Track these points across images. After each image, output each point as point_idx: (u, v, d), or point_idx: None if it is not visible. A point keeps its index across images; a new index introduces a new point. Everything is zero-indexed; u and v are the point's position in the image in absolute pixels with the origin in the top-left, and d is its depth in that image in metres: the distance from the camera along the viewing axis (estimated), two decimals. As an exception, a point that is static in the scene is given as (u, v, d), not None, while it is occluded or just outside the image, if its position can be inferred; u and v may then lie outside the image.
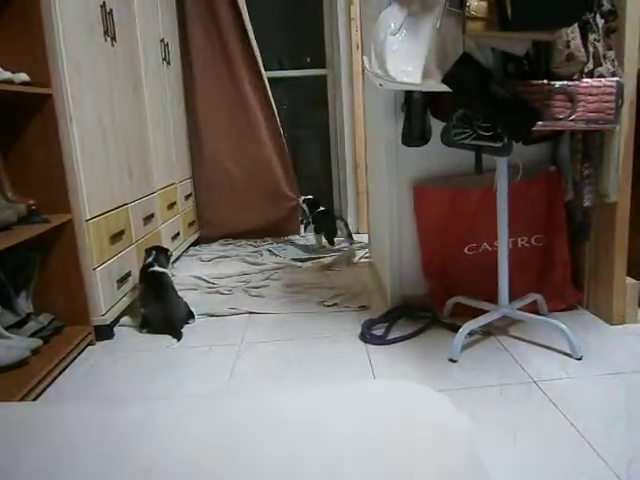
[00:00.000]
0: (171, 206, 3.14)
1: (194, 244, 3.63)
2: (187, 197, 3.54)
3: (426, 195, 2.10)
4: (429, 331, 2.00)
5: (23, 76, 1.81)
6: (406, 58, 1.47)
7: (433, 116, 1.80)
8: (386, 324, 2.06)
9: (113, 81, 2.35)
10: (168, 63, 3.23)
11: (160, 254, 2.30)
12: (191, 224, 3.59)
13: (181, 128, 3.48)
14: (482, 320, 1.81)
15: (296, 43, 4.06)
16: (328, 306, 2.34)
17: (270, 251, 3.36)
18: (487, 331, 1.94)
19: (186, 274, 2.92)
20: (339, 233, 3.42)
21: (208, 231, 3.74)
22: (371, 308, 2.29)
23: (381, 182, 2.38)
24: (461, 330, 1.77)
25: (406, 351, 1.86)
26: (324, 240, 3.37)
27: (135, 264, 2.43)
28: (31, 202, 1.90)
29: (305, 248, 3.41)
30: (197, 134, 3.62)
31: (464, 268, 2.09)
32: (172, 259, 2.34)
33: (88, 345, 2.08)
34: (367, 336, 1.96)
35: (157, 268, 2.24)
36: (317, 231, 3.38)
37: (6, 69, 1.79)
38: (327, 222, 3.38)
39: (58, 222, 1.92)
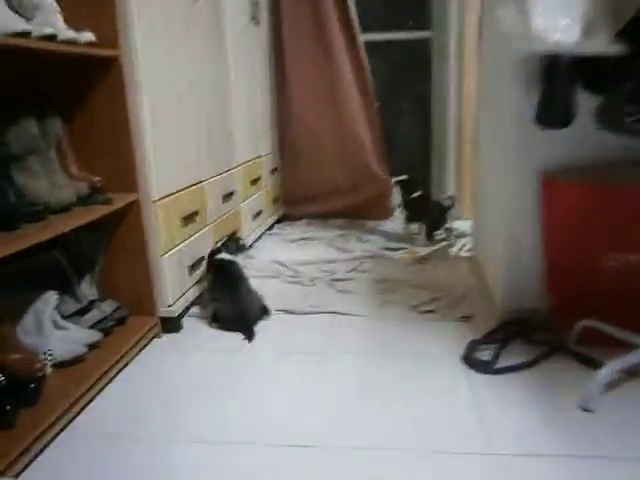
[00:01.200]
0: (255, 181, 2.89)
1: (277, 221, 3.38)
2: (273, 171, 3.28)
3: (558, 188, 1.67)
4: (551, 360, 1.61)
5: (88, 35, 1.57)
6: (560, 8, 1.06)
7: (585, 89, 1.36)
8: (495, 345, 1.68)
9: (193, 42, 2.09)
10: (257, 23, 2.93)
11: (230, 241, 2.05)
12: (275, 200, 3.34)
13: (268, 95, 3.19)
14: (632, 359, 1.39)
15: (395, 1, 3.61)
16: (423, 312, 1.99)
17: (359, 238, 3.02)
18: (633, 370, 1.51)
19: (267, 257, 2.67)
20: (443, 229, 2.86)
21: (291, 209, 3.48)
22: (475, 319, 1.92)
23: (498, 167, 1.97)
24: (604, 371, 1.36)
25: (521, 387, 1.48)
26: (420, 231, 2.89)
27: (209, 247, 2.20)
28: (96, 179, 1.70)
29: (394, 236, 3.02)
30: (285, 102, 3.32)
31: (603, 283, 1.64)
32: (245, 247, 2.08)
33: (154, 337, 1.88)
34: (471, 360, 1.60)
35: (225, 256, 1.99)
36: (409, 219, 2.94)
37: (70, 27, 1.56)
38: (426, 211, 2.86)
39: (122, 203, 1.71)
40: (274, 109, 3.30)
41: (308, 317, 2.01)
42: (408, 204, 2.93)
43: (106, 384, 1.59)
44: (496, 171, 2.02)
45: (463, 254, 2.68)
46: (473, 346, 1.67)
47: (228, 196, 2.46)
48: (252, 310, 1.95)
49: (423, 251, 2.71)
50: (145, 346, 1.83)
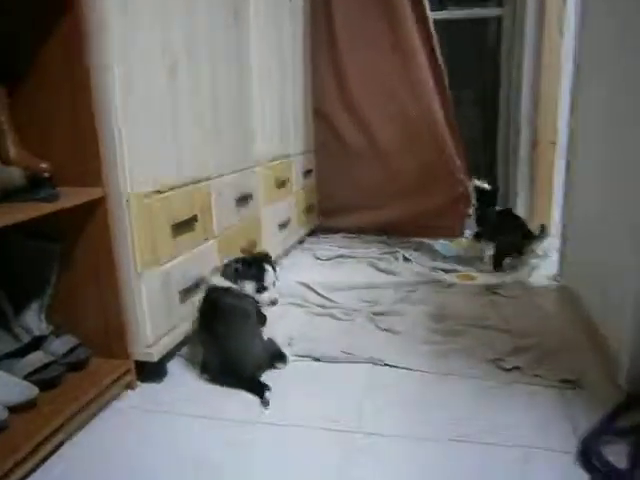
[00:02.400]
0: (282, 184, 2.36)
1: (310, 234, 2.83)
2: (307, 173, 2.74)
3: None
4: None
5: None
6: None
7: None
8: (629, 438, 1.07)
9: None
10: (292, -8, 2.42)
11: (244, 261, 1.49)
12: (309, 209, 2.79)
13: (303, 80, 2.65)
14: None
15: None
16: (507, 370, 1.39)
17: (405, 257, 2.43)
18: None
19: (292, 277, 2.12)
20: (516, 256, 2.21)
21: (330, 219, 2.91)
22: (585, 386, 1.31)
23: (622, 167, 1.37)
24: None
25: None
26: (483, 255, 2.29)
27: (212, 265, 1.67)
28: (43, 166, 1.19)
29: (452, 258, 2.40)
30: (331, 90, 2.75)
31: None
32: (275, 270, 1.51)
33: (125, 389, 1.36)
34: (594, 464, 1.00)
35: (218, 281, 1.45)
36: (477, 237, 2.34)
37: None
38: (505, 231, 2.21)
39: (79, 201, 1.20)
40: (311, 99, 2.76)
41: (338, 367, 1.45)
42: (483, 219, 2.30)
43: (32, 469, 1.06)
44: (618, 174, 1.41)
45: (546, 283, 2.06)
46: (595, 438, 1.06)
47: (243, 200, 1.93)
48: (250, 359, 1.39)
49: (488, 278, 2.10)
50: (109, 402, 1.30)
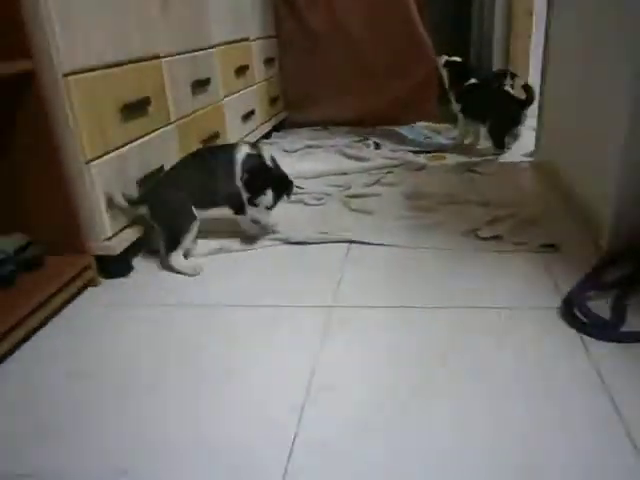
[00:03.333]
0: (241, 71, 2.18)
1: (277, 128, 2.69)
2: (268, 61, 2.55)
3: None
4: None
5: None
6: None
7: None
8: (614, 290, 1.05)
9: None
10: None
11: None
12: (274, 100, 2.63)
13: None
14: None
15: None
16: (484, 239, 1.35)
17: (376, 144, 2.33)
18: None
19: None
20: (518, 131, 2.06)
21: (296, 113, 2.76)
22: (564, 249, 1.28)
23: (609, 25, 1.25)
24: None
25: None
26: (475, 138, 2.18)
27: (174, 155, 1.55)
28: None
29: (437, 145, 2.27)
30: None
31: None
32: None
33: (87, 286, 1.28)
34: (580, 317, 0.98)
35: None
36: (467, 115, 2.15)
37: None
38: (493, 105, 2.07)
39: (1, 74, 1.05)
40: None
41: (314, 248, 1.39)
42: (463, 96, 2.15)
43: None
44: (604, 34, 1.30)
45: (520, 161, 1.99)
46: (580, 292, 1.03)
47: (201, 85, 1.77)
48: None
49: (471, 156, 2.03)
50: (70, 300, 1.22)
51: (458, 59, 2.20)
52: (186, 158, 1.44)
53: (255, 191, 1.33)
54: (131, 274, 1.33)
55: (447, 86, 2.19)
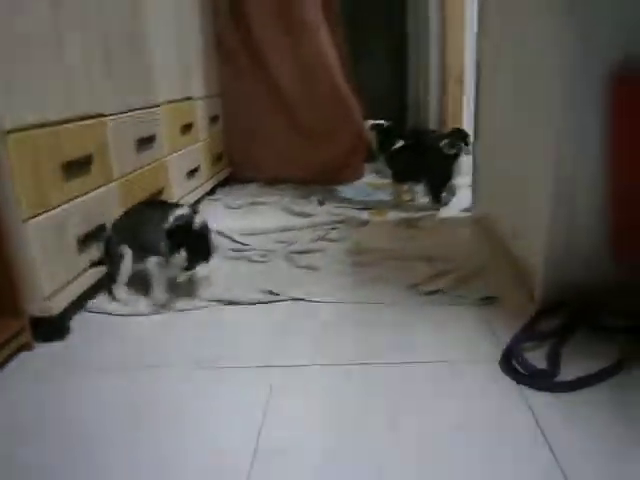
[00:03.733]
0: (186, 129, 2.21)
1: (222, 184, 2.71)
2: (213, 120, 2.59)
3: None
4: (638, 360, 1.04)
5: None
6: None
7: None
8: (550, 339, 1.10)
9: None
10: None
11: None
12: (219, 157, 2.66)
13: (202, 20, 2.48)
14: None
15: None
16: (427, 293, 1.39)
17: (319, 201, 2.38)
18: None
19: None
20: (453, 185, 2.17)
21: (239, 170, 2.80)
22: (502, 302, 1.33)
23: (527, 77, 1.37)
24: None
25: (605, 407, 0.91)
26: (412, 195, 2.26)
27: (116, 212, 1.53)
28: None
29: (376, 203, 2.32)
30: (230, 29, 2.59)
31: None
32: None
33: (19, 350, 1.21)
34: (518, 368, 1.01)
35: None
36: (398, 179, 2.24)
37: None
38: (425, 164, 2.15)
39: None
40: (214, 34, 2.59)
41: (258, 308, 1.38)
42: (392, 161, 2.24)
43: None
44: (527, 92, 1.42)
45: (458, 216, 2.09)
46: (517, 343, 1.07)
47: (145, 142, 1.78)
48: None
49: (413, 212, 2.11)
50: (1, 366, 1.16)
51: (383, 122, 2.30)
52: (134, 206, 1.51)
53: (170, 248, 1.33)
54: (68, 336, 1.28)
55: (376, 149, 2.29)
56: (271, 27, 2.52)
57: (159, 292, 1.40)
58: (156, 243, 1.35)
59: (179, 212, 1.36)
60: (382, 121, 2.31)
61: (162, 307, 1.38)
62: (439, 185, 2.13)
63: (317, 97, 2.54)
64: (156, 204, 1.55)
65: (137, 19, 1.77)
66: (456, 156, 2.09)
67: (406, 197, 2.29)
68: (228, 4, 2.55)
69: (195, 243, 1.34)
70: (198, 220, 1.36)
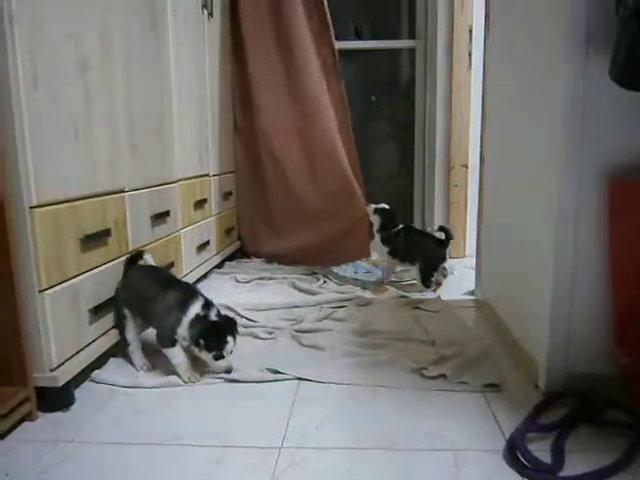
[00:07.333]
0: (200, 204, 2.29)
1: (229, 258, 2.76)
2: (226, 195, 2.69)
3: (637, 196, 1.14)
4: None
5: None
6: None
7: None
8: (553, 432, 1.09)
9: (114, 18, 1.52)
10: (210, 14, 2.40)
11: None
12: (229, 231, 2.73)
13: (222, 104, 2.62)
14: None
15: (374, 6, 3.15)
16: (431, 378, 1.39)
17: (327, 277, 2.44)
18: None
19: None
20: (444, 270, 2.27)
21: (248, 244, 2.87)
22: (506, 389, 1.33)
23: (530, 175, 1.44)
24: None
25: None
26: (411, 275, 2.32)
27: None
28: None
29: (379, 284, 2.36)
30: (246, 112, 2.74)
31: None
32: (235, 338, 1.43)
33: (22, 420, 1.21)
34: (523, 461, 1.00)
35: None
36: (396, 257, 2.30)
37: None
38: (417, 248, 2.24)
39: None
40: (229, 121, 2.74)
41: (263, 387, 1.38)
42: (392, 240, 2.32)
43: None
44: (526, 184, 1.49)
45: (462, 299, 2.12)
46: (521, 434, 1.07)
47: (161, 217, 1.85)
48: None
49: (417, 293, 2.15)
50: (2, 436, 1.15)
51: (386, 206, 2.41)
52: (138, 269, 1.56)
53: (193, 339, 1.38)
54: (72, 406, 1.28)
55: (376, 230, 2.37)
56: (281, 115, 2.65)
57: (183, 373, 1.41)
58: (167, 325, 1.40)
59: (198, 303, 1.40)
60: (384, 205, 2.41)
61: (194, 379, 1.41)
62: (433, 267, 2.20)
63: (323, 182, 2.61)
64: (162, 277, 1.56)
65: (163, 102, 1.88)
66: (447, 241, 2.20)
67: (404, 276, 2.38)
68: (243, 95, 2.72)
69: (219, 338, 1.38)
70: (219, 314, 1.42)
